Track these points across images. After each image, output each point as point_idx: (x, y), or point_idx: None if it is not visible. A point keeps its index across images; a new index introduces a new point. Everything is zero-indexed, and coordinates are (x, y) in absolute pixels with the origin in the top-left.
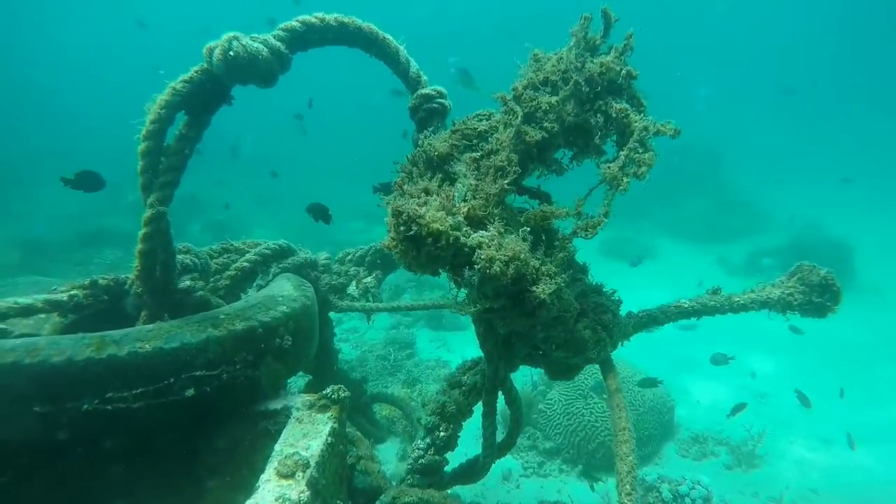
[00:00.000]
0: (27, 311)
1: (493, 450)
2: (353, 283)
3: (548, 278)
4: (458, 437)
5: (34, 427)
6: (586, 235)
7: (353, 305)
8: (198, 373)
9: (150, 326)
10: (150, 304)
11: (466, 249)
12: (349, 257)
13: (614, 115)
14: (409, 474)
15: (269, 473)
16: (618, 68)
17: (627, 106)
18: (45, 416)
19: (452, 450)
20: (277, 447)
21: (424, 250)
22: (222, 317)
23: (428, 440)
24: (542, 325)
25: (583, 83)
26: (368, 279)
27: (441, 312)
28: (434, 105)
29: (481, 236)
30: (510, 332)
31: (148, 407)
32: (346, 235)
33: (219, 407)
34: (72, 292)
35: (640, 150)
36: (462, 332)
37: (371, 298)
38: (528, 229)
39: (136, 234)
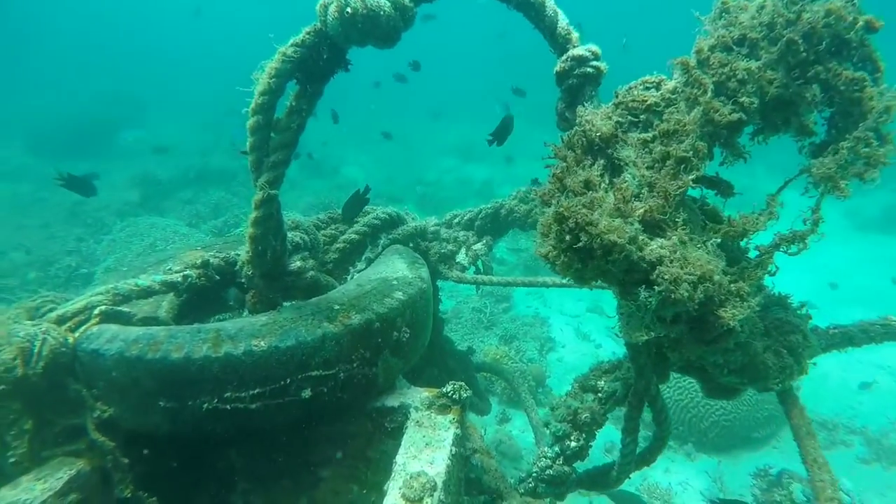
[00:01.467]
0: (146, 293)
1: (631, 465)
2: (463, 249)
3: (738, 300)
4: (591, 447)
5: (162, 420)
6: (793, 249)
7: (464, 277)
8: (314, 373)
9: (263, 319)
10: (261, 286)
11: (644, 265)
12: (457, 220)
13: (841, 87)
14: (533, 481)
15: (394, 496)
16: (850, 17)
17: (863, 74)
18: (169, 411)
19: (583, 460)
20: (400, 459)
21: (593, 265)
22: (336, 307)
23: (557, 449)
24: (721, 352)
25: (798, 41)
26: (478, 245)
27: (537, 263)
28: (588, 69)
29: (661, 247)
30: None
31: (265, 407)
32: (437, 174)
33: (334, 404)
34: (186, 272)
35: (874, 142)
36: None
37: (482, 267)
38: (718, 240)
39: (237, 173)
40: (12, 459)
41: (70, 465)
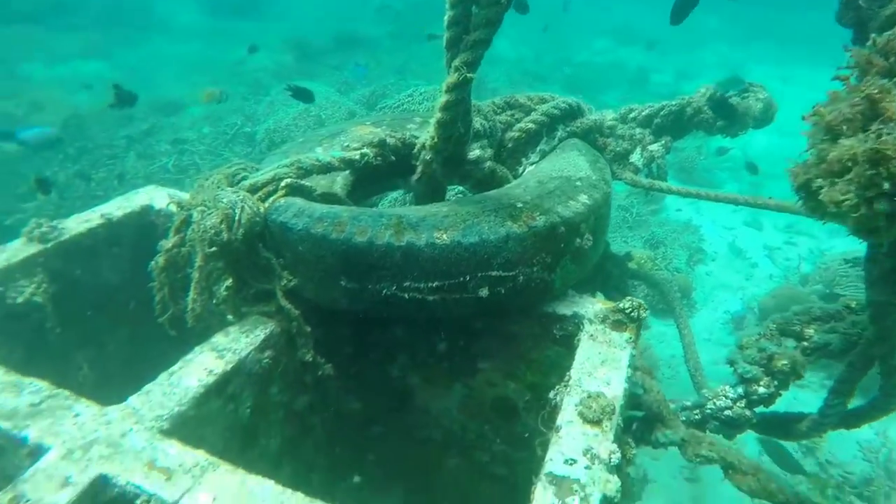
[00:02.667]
0: (326, 169)
1: (830, 426)
2: (638, 149)
3: None
4: (780, 396)
5: (342, 297)
6: None
7: (638, 181)
8: (494, 273)
9: (445, 210)
10: (438, 173)
11: None
12: (633, 115)
13: None
14: (703, 416)
15: (571, 413)
16: None
17: None
18: (349, 290)
19: (767, 407)
20: (574, 374)
21: None
22: (520, 206)
23: (741, 391)
24: None
25: None
26: (655, 146)
27: (692, 164)
28: None
29: None
30: None
31: (442, 300)
32: (588, 56)
33: (507, 305)
34: (363, 150)
35: None
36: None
37: (656, 170)
38: None
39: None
40: (218, 309)
41: (265, 325)
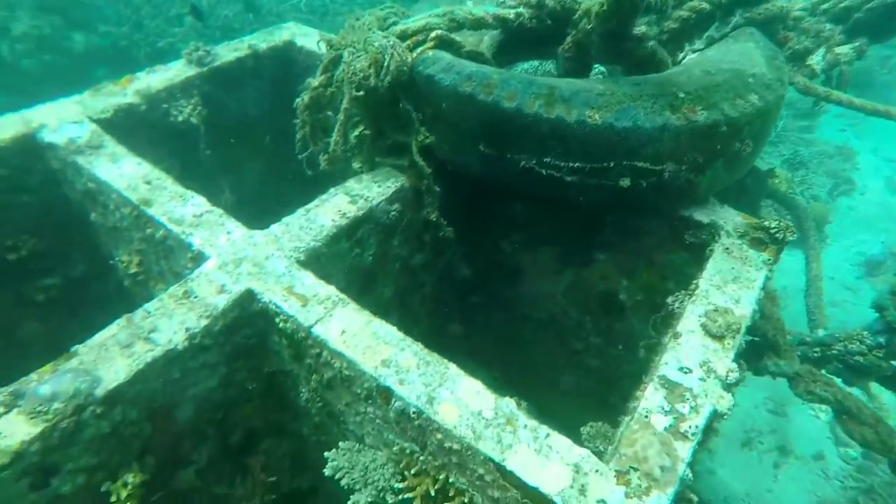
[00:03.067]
0: (478, 24)
1: None
2: (822, 49)
3: None
4: None
5: (476, 162)
6: None
7: (814, 88)
8: (640, 164)
9: (601, 87)
10: (596, 45)
11: None
12: (828, 4)
13: None
14: (826, 355)
15: (693, 323)
16: None
17: None
18: (486, 157)
19: None
20: (703, 284)
21: None
22: (681, 95)
23: (882, 340)
24: None
25: None
26: (845, 49)
27: (870, 77)
28: None
29: None
30: None
31: (579, 183)
32: None
33: (644, 200)
34: (519, 9)
35: None
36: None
37: (836, 78)
38: None
39: None
40: (349, 155)
41: (396, 178)
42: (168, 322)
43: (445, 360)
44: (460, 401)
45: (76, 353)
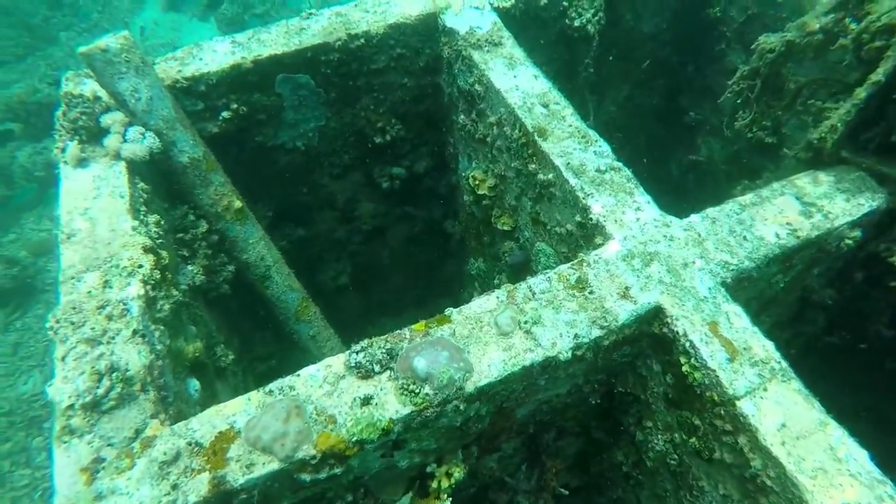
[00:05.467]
0: None
1: None
2: None
3: None
4: None
5: None
6: None
7: None
8: None
9: None
10: None
11: None
12: None
13: None
14: None
15: None
16: None
17: None
18: None
19: None
20: None
21: None
22: None
23: None
24: None
25: None
26: None
27: None
28: None
29: None
30: None
31: None
32: None
33: None
34: None
35: None
36: None
37: None
38: None
39: None
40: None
41: (872, 193)
42: (554, 316)
43: None
44: None
45: (450, 318)
